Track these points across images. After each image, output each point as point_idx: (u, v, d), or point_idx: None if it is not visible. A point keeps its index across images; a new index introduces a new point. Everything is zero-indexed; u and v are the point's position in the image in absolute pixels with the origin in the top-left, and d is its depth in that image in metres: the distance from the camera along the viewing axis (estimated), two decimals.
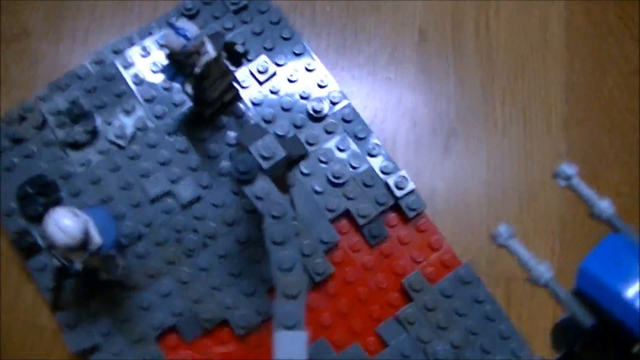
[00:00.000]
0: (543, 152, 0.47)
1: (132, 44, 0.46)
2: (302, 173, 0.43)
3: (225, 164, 0.43)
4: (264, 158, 0.35)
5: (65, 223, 0.35)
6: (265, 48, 0.45)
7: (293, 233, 0.35)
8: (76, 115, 0.43)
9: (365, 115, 0.46)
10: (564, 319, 0.29)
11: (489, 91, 0.48)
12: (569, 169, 0.26)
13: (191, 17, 0.45)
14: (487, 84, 0.48)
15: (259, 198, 0.36)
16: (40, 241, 0.42)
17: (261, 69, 0.45)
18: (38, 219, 0.42)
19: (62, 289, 0.39)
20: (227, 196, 0.43)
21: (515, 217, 0.46)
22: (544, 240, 0.46)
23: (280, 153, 0.35)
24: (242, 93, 0.44)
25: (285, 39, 0.46)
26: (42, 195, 0.43)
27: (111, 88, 0.44)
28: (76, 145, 0.43)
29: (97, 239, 0.37)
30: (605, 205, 0.25)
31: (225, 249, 0.42)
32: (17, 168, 0.43)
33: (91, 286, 0.41)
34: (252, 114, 0.44)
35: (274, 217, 0.35)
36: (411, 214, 0.43)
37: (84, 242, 0.36)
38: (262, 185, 0.36)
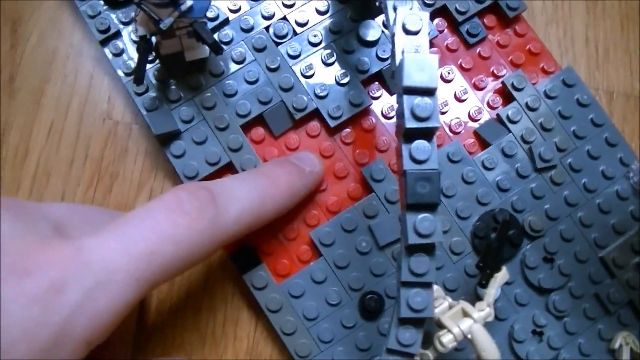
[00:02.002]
0: None
1: None
2: None
3: None
4: None
5: None
6: None
7: None
8: None
9: None
10: None
11: None
12: None
13: None
14: None
15: None
16: (116, 25, 0.39)
17: None
18: (115, 2, 0.40)
19: (145, 61, 0.36)
20: None
21: (614, 33, 0.43)
22: None
23: None
24: None
25: None
26: None
27: None
28: None
29: None
30: None
31: (317, 36, 0.39)
32: None
33: (174, 72, 0.38)
34: None
35: None
36: (511, 14, 0.41)
37: None
38: None
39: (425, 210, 0.29)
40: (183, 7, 0.34)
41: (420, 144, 0.29)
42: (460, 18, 0.40)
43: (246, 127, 0.39)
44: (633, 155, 0.39)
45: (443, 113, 0.40)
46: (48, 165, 0.39)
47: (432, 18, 0.41)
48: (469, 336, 0.32)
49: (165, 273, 0.27)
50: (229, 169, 0.38)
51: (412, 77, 0.28)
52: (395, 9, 0.30)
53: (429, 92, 0.28)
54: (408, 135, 0.29)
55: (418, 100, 0.28)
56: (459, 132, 0.40)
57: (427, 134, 0.29)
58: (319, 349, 0.36)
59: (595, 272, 0.38)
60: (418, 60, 0.28)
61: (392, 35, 0.29)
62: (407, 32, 0.29)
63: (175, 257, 0.27)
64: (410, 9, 0.30)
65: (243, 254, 0.37)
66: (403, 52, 0.28)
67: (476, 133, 0.40)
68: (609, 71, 0.43)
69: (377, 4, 0.39)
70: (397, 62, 0.29)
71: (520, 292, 0.37)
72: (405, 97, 0.28)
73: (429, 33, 0.38)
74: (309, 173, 0.36)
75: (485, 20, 0.41)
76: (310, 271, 0.37)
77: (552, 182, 0.39)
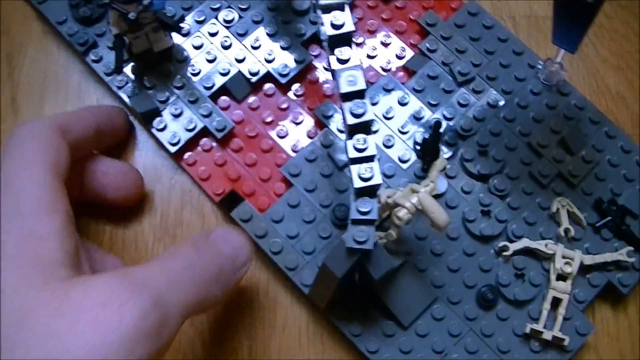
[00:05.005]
0: None
1: None
2: None
3: None
4: None
5: None
6: None
7: None
8: None
9: None
10: None
11: None
12: None
13: None
14: None
15: None
16: (93, 37, 0.47)
17: None
18: (88, 20, 0.48)
19: (122, 54, 0.44)
20: None
21: None
22: None
23: None
24: None
25: None
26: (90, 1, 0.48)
27: None
28: None
29: None
30: None
31: (258, 15, 0.48)
32: None
33: (147, 65, 0.46)
34: None
35: None
36: None
37: None
38: None
39: (356, 97, 0.36)
40: (145, 1, 0.43)
41: (343, 49, 0.36)
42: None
43: (214, 98, 0.46)
44: (537, 57, 0.47)
45: (372, 57, 0.48)
46: None
47: None
48: (420, 207, 0.38)
49: None
50: (204, 133, 0.46)
51: None
52: None
53: (340, 7, 0.36)
54: (332, 44, 0.36)
55: (334, 13, 0.36)
56: (389, 70, 0.47)
57: (346, 39, 0.36)
58: (304, 259, 0.42)
59: (525, 156, 0.45)
60: None
61: None
62: None
63: None
64: None
65: (228, 197, 0.44)
66: None
67: (404, 67, 0.47)
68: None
69: None
70: None
71: (465, 183, 0.44)
72: (323, 15, 0.36)
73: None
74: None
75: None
76: (286, 198, 0.44)
77: (474, 92, 0.46)
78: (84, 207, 0.44)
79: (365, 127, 0.36)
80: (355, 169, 0.36)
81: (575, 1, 0.36)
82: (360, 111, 0.36)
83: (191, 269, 0.35)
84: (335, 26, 0.36)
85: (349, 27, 0.36)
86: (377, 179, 0.36)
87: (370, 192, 0.37)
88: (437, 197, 0.43)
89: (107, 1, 0.42)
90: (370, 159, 0.36)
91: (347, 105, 0.36)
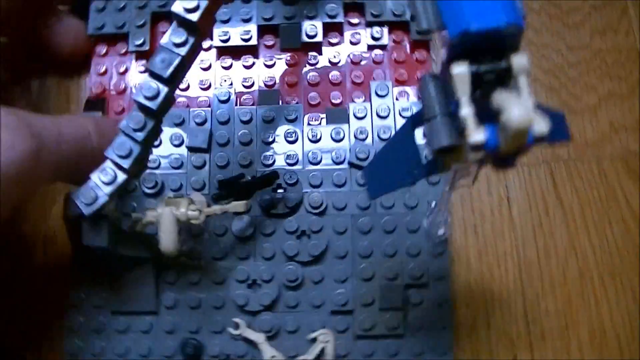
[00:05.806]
0: None
1: None
2: None
3: None
4: None
5: None
6: None
7: None
8: None
9: None
10: None
11: None
12: None
13: None
14: None
15: None
16: None
17: None
18: None
19: None
20: None
21: None
22: None
23: None
24: None
25: None
26: None
27: None
28: None
29: None
30: None
31: None
32: None
33: None
34: None
35: None
36: (414, 36, 0.44)
37: None
38: None
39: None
40: None
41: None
42: (370, 18, 0.44)
43: None
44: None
45: (313, 85, 0.44)
46: None
47: (346, 12, 0.45)
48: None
49: None
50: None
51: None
52: None
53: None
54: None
55: None
56: (315, 105, 0.43)
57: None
58: None
59: (344, 269, 0.39)
60: None
61: None
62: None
63: None
64: None
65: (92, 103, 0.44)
66: None
67: (327, 114, 0.43)
68: None
69: None
70: None
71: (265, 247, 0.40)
72: None
73: None
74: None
75: (394, 34, 0.44)
76: None
77: (357, 182, 0.41)
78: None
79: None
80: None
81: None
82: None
83: (82, 139, 0.34)
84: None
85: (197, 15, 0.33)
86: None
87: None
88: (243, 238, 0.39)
89: None
90: None
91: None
